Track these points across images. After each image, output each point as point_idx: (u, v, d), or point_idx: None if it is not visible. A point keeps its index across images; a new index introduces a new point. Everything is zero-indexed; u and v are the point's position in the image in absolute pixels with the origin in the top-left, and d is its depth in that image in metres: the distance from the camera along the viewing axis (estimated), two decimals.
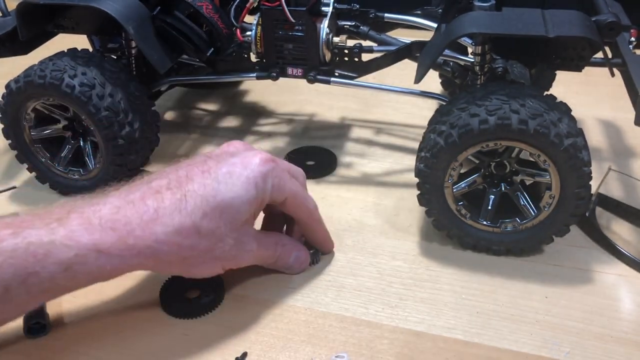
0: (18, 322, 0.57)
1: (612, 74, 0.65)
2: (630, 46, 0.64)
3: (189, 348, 0.55)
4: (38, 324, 0.57)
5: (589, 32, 0.57)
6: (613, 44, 0.66)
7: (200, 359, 0.54)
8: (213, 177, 0.50)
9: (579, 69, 0.64)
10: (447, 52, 0.70)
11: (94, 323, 0.58)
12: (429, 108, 0.84)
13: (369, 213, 0.73)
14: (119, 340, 0.56)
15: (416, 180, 0.64)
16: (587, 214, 0.69)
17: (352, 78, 0.76)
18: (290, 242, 0.61)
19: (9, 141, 0.76)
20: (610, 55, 0.65)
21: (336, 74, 0.76)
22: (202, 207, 0.49)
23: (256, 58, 0.77)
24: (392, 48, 0.73)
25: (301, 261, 0.61)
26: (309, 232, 0.62)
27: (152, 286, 0.62)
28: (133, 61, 0.77)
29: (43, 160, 0.75)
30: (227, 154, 0.54)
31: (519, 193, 0.64)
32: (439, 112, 0.64)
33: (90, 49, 0.81)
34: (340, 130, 0.91)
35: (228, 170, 0.51)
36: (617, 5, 0.66)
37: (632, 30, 0.62)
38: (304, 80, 0.76)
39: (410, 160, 0.74)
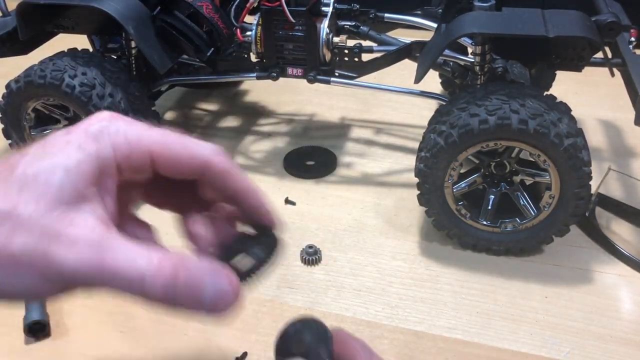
0: (18, 322, 0.57)
1: (612, 74, 0.65)
2: (630, 46, 0.64)
3: (189, 348, 0.55)
4: (38, 324, 0.57)
5: (589, 32, 0.57)
6: (613, 44, 0.66)
7: (200, 359, 0.54)
8: (22, 153, 0.33)
9: (578, 69, 0.64)
10: (447, 52, 0.70)
11: (94, 323, 0.58)
12: (428, 108, 0.84)
13: (369, 213, 0.73)
14: (119, 340, 0.56)
15: (416, 180, 0.64)
16: (587, 214, 0.69)
17: (352, 78, 0.76)
18: (201, 262, 0.33)
19: (9, 141, 0.76)
20: (610, 55, 0.65)
21: (336, 74, 0.76)
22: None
23: (256, 58, 0.77)
24: (392, 48, 0.73)
25: (226, 293, 0.32)
26: (228, 198, 0.37)
27: None
28: (133, 61, 0.77)
29: None
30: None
31: (518, 193, 0.64)
32: (439, 112, 0.64)
33: (91, 49, 0.81)
34: (340, 130, 0.91)
35: (45, 141, 0.33)
36: (617, 5, 0.66)
37: (632, 30, 0.62)
38: (304, 80, 0.76)
39: (410, 160, 0.74)
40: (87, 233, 0.31)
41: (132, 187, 0.36)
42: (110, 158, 0.33)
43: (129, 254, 0.30)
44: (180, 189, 0.37)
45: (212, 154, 0.35)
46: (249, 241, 0.36)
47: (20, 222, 0.30)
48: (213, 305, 0.32)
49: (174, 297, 0.31)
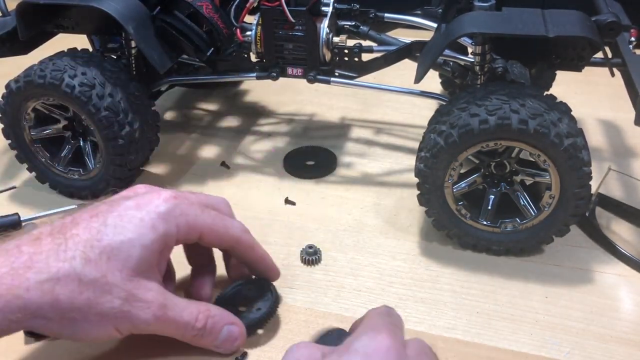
0: None
1: (612, 74, 0.65)
2: (630, 46, 0.64)
3: (189, 348, 0.54)
4: None
5: (589, 32, 0.57)
6: (613, 44, 0.66)
7: (201, 359, 0.53)
8: (101, 221, 0.43)
9: (578, 69, 0.64)
10: (447, 52, 0.70)
11: None
12: (428, 108, 0.84)
13: (369, 213, 0.73)
14: (119, 340, 0.56)
15: (416, 180, 0.64)
16: (587, 214, 0.69)
17: (352, 78, 0.76)
18: (222, 313, 0.50)
19: (9, 141, 0.76)
20: (610, 55, 0.65)
21: (336, 74, 0.76)
22: (85, 251, 0.41)
23: (256, 58, 0.77)
24: (392, 48, 0.73)
25: (234, 337, 0.50)
26: (247, 262, 0.54)
27: None
28: (133, 61, 0.77)
29: (43, 160, 0.75)
30: (124, 197, 0.47)
31: (519, 193, 0.64)
32: (439, 112, 0.64)
33: (90, 49, 0.81)
34: (340, 130, 0.91)
35: (119, 213, 0.44)
36: (617, 5, 0.66)
37: (632, 30, 0.62)
38: (304, 80, 0.76)
39: (410, 160, 0.74)
40: (156, 296, 0.44)
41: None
42: (173, 236, 0.46)
43: (180, 309, 0.46)
44: (202, 251, 0.55)
45: (241, 232, 0.52)
46: (251, 293, 0.54)
47: (108, 287, 0.42)
48: (223, 344, 0.49)
49: (201, 337, 0.48)
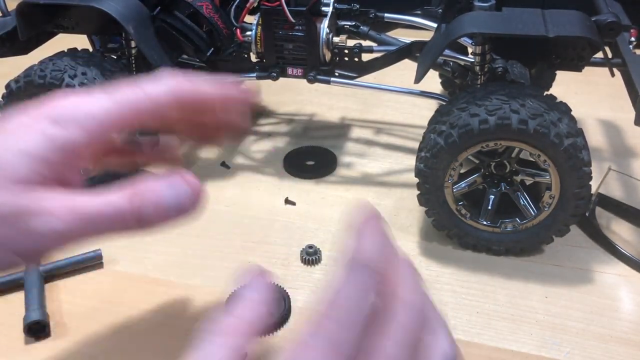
0: (17, 322, 0.57)
1: (612, 74, 0.65)
2: (630, 46, 0.64)
3: (190, 347, 0.54)
4: (38, 324, 0.57)
5: (588, 32, 0.57)
6: (613, 44, 0.66)
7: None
8: None
9: (578, 69, 0.64)
10: (447, 52, 0.70)
11: (94, 323, 0.58)
12: (428, 108, 0.84)
13: None
14: (119, 340, 0.56)
15: (416, 180, 0.64)
16: (587, 214, 0.69)
17: (352, 78, 0.76)
18: (157, 179, 0.34)
19: None
20: (610, 55, 0.65)
21: (336, 74, 0.76)
22: None
23: (256, 58, 0.77)
24: (392, 48, 0.73)
25: (184, 190, 0.34)
26: (199, 108, 0.39)
27: (152, 289, 0.62)
28: (133, 61, 0.77)
29: None
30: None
31: (519, 193, 0.64)
32: (439, 112, 0.64)
33: (91, 49, 0.81)
34: (340, 130, 0.91)
35: (10, 123, 0.34)
36: (617, 5, 0.66)
37: (632, 30, 0.62)
38: (304, 81, 0.76)
39: (410, 160, 0.74)
40: (60, 201, 0.32)
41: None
42: (77, 142, 0.34)
43: (99, 199, 0.33)
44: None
45: (172, 83, 0.37)
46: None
47: None
48: (179, 208, 0.34)
49: (143, 216, 0.33)
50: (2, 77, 0.74)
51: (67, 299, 0.61)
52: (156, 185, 0.34)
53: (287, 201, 0.75)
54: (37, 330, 0.57)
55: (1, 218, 0.31)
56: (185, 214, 0.35)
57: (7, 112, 0.37)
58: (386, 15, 0.78)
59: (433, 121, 0.64)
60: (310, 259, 0.65)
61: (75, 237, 0.33)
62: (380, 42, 0.76)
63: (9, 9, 0.75)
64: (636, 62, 0.62)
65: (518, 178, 0.64)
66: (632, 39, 0.63)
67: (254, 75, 0.77)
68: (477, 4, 0.63)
